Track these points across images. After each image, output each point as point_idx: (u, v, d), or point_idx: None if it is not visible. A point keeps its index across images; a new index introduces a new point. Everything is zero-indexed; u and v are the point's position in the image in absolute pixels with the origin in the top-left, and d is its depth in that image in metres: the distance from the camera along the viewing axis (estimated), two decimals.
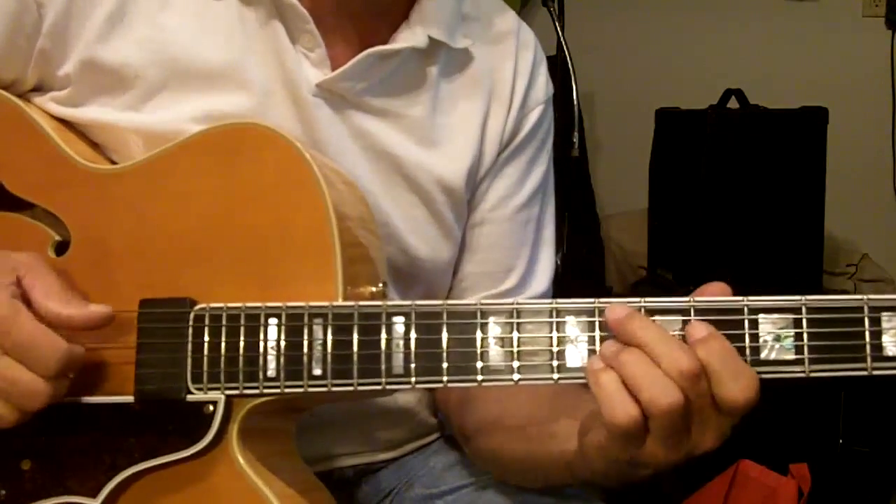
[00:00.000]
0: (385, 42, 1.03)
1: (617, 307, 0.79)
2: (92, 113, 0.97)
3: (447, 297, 1.13)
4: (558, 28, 2.63)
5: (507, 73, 1.11)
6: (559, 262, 2.52)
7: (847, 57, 3.30)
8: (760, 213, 2.69)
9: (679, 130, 2.89)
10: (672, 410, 0.74)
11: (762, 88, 2.94)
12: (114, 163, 0.97)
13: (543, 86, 1.15)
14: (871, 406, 2.51)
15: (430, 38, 1.04)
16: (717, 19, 3.44)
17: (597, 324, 0.79)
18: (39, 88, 0.99)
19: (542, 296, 1.15)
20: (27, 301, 0.82)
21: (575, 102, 2.54)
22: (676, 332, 0.78)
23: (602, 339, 0.79)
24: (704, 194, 2.70)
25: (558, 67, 2.53)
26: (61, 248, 0.91)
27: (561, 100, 2.47)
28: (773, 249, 2.69)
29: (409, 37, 1.03)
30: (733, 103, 2.88)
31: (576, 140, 2.54)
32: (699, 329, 0.77)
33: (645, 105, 3.01)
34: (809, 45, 3.35)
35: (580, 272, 2.91)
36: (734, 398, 0.75)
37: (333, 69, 1.00)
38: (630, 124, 3.24)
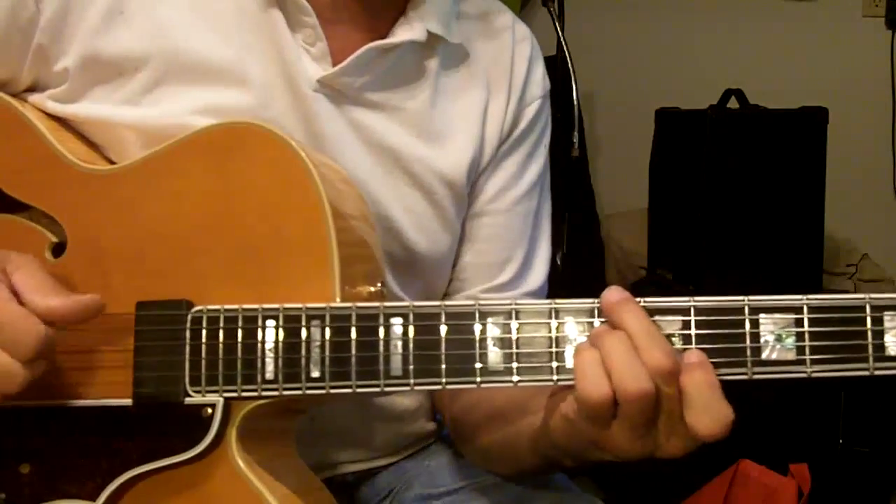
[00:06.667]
0: (383, 36, 1.02)
1: (614, 291, 0.79)
2: (90, 108, 0.96)
3: (446, 290, 1.14)
4: (558, 28, 2.62)
5: (504, 67, 1.12)
6: (559, 262, 2.53)
7: (847, 57, 3.30)
8: (760, 213, 2.69)
9: (679, 130, 2.89)
10: (641, 397, 0.75)
11: (762, 88, 2.93)
12: (111, 162, 0.96)
13: (541, 80, 1.16)
14: (871, 406, 2.52)
15: (429, 32, 1.04)
16: (717, 19, 3.43)
17: (596, 324, 0.79)
18: (34, 88, 0.99)
19: (539, 290, 1.16)
20: (14, 294, 0.80)
21: (575, 102, 2.54)
22: (676, 332, 0.78)
23: None
24: (704, 194, 2.70)
25: (558, 67, 2.52)
26: (58, 249, 0.91)
27: (561, 100, 2.48)
28: (773, 249, 2.69)
29: (408, 31, 1.03)
30: (733, 103, 2.88)
31: (576, 140, 2.53)
32: (691, 355, 0.76)
33: (645, 105, 3.01)
34: (809, 45, 3.35)
35: (580, 272, 2.90)
36: (696, 429, 0.75)
37: (333, 64, 1.00)
38: (630, 124, 3.24)
